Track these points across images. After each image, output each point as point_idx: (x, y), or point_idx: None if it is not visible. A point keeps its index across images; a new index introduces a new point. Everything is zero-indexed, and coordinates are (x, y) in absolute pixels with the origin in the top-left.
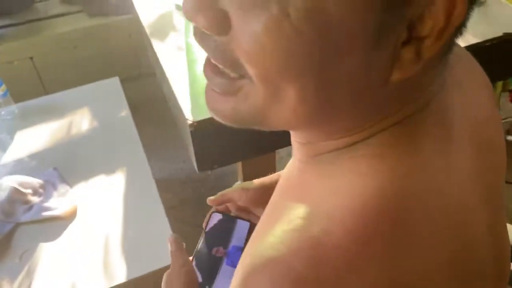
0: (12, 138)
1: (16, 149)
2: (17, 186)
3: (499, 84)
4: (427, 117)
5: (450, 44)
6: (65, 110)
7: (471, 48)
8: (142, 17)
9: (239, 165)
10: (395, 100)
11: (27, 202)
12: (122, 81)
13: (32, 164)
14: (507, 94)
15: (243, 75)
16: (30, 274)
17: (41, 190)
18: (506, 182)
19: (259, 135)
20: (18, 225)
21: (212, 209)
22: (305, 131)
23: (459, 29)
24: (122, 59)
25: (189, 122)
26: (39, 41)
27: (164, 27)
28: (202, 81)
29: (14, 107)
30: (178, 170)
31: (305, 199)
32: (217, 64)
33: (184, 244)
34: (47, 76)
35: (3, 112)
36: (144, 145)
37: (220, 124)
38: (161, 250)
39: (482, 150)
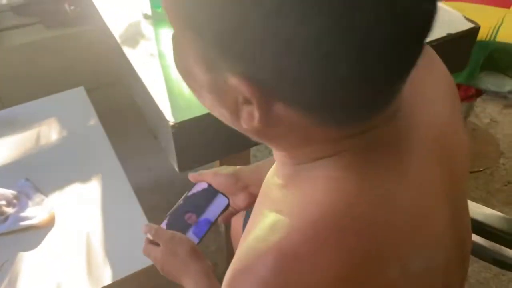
0: None
1: None
2: None
3: None
4: (379, 140)
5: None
6: (31, 121)
7: None
8: (111, 27)
9: (216, 164)
10: (331, 134)
11: (2, 213)
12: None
13: (2, 176)
14: None
15: None
16: (12, 284)
17: (15, 201)
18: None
19: (237, 135)
20: None
21: (194, 175)
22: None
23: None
24: (81, 70)
25: (171, 123)
26: None
27: (134, 36)
28: (178, 84)
29: None
30: (144, 178)
31: (274, 207)
32: None
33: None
34: (3, 89)
35: None
36: None
37: (200, 125)
38: None
39: (443, 156)
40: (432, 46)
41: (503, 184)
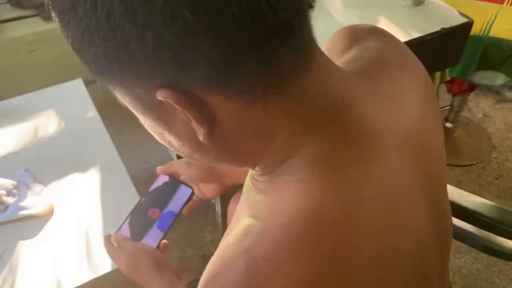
0: None
1: None
2: None
3: (437, 75)
4: (338, 137)
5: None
6: (30, 112)
7: (414, 41)
8: None
9: None
10: (285, 141)
11: (2, 202)
12: None
13: (1, 166)
14: (444, 85)
15: None
16: (12, 272)
17: (15, 191)
18: (447, 164)
19: None
20: None
21: (160, 168)
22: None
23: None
24: (79, 63)
25: None
26: None
27: None
28: None
29: None
30: (140, 170)
31: (249, 212)
32: None
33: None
34: (2, 81)
35: None
36: None
37: None
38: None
39: (417, 151)
40: (426, 41)
41: (495, 178)
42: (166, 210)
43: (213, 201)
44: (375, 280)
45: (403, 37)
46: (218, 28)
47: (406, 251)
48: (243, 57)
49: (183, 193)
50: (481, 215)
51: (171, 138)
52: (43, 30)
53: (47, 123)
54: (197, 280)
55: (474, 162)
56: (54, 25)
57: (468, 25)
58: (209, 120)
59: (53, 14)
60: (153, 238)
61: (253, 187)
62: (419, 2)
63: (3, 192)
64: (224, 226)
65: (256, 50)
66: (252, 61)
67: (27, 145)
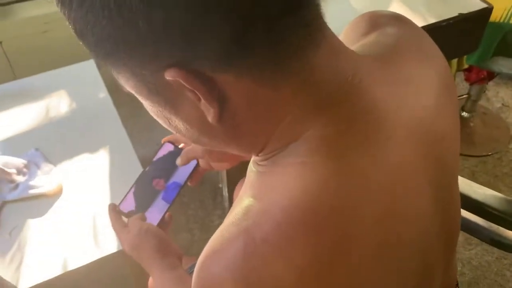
0: None
1: None
2: (1, 166)
3: (454, 63)
4: (347, 121)
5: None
6: (41, 93)
7: (430, 27)
8: None
9: None
10: (297, 122)
11: (12, 181)
12: None
13: (13, 145)
14: (461, 73)
15: None
16: (21, 249)
17: (25, 170)
18: (460, 154)
19: None
20: (4, 203)
21: (166, 139)
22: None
23: None
24: None
25: None
26: (8, 25)
27: None
28: None
29: None
30: (151, 152)
31: (251, 192)
32: None
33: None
34: (16, 61)
35: None
36: None
37: None
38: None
39: (428, 140)
40: (443, 27)
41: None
42: (171, 181)
43: (220, 185)
44: (374, 270)
45: (418, 23)
46: (230, 3)
47: (408, 242)
48: (254, 33)
49: (189, 163)
50: (491, 207)
51: (178, 122)
52: (58, 10)
53: (59, 104)
54: None
55: (490, 153)
56: None
57: (488, 11)
58: (219, 100)
59: None
60: (158, 210)
61: (255, 168)
62: None
63: (14, 171)
64: None
65: (268, 26)
66: (264, 37)
67: (39, 125)
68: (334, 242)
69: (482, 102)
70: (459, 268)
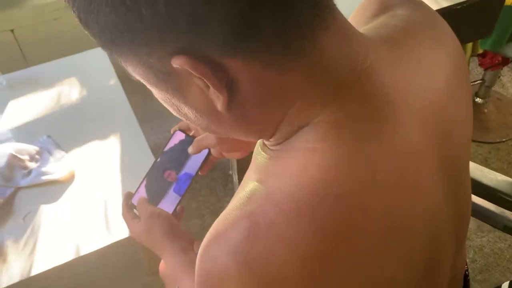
0: (2, 109)
1: (8, 119)
2: (14, 153)
3: (469, 47)
4: (361, 112)
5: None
6: (53, 80)
7: (443, 11)
8: None
9: None
10: (305, 108)
11: (25, 167)
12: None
13: (25, 133)
14: (475, 58)
15: None
16: (34, 234)
17: (37, 156)
18: (472, 140)
19: None
20: (18, 189)
21: (176, 127)
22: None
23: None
24: None
25: None
26: (19, 13)
27: None
28: None
29: (2, 78)
30: (163, 140)
31: (256, 176)
32: None
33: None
34: (28, 49)
35: None
36: None
37: None
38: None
39: (440, 127)
40: (456, 10)
41: None
42: (183, 172)
43: (230, 172)
44: (380, 259)
45: (432, 6)
46: None
47: (416, 231)
48: (262, 13)
49: (200, 153)
50: (503, 193)
51: (187, 110)
52: None
53: (70, 91)
54: None
55: (503, 139)
56: None
57: None
58: (228, 86)
59: None
60: (169, 203)
61: (262, 152)
62: None
63: (27, 157)
64: None
65: (275, 5)
66: (271, 17)
67: (50, 112)
68: (339, 230)
69: (496, 88)
70: (470, 255)
